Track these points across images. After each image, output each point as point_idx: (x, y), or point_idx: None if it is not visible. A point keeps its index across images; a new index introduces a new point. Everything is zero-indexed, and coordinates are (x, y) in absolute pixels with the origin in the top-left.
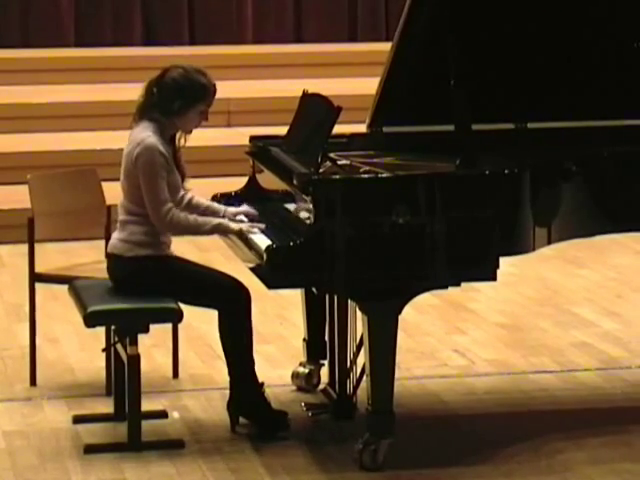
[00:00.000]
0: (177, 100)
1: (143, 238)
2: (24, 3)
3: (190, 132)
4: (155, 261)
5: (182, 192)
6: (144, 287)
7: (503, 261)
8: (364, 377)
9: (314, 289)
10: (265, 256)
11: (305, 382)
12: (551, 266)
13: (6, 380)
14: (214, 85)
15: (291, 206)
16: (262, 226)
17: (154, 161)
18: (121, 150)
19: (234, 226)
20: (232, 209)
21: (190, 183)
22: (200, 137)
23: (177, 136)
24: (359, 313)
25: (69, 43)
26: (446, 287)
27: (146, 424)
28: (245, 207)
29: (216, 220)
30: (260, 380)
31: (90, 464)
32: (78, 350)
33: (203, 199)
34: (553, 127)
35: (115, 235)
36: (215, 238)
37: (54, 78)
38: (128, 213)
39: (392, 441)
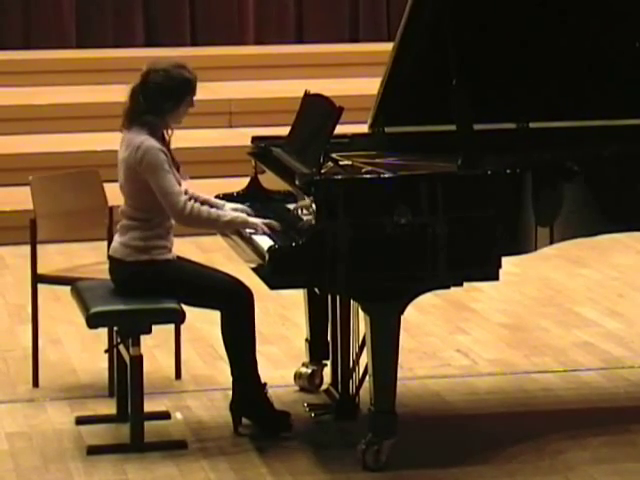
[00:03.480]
0: (166, 102)
1: (143, 243)
2: (26, 5)
3: (180, 122)
4: (156, 266)
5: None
6: (145, 290)
7: (505, 261)
8: (366, 377)
9: (316, 289)
10: (267, 256)
11: (308, 382)
12: (553, 266)
13: (9, 381)
14: (195, 75)
15: (293, 206)
16: (276, 225)
17: (158, 159)
18: None
19: (253, 220)
20: (231, 204)
21: (192, 184)
22: (202, 138)
23: (166, 132)
24: (361, 313)
25: (71, 44)
26: (448, 287)
27: (149, 425)
28: (235, 205)
29: (234, 213)
30: (263, 380)
31: (93, 465)
32: (80, 351)
33: (198, 192)
34: (555, 127)
35: (116, 238)
36: (217, 239)
37: (56, 79)
38: (128, 218)
39: (395, 441)
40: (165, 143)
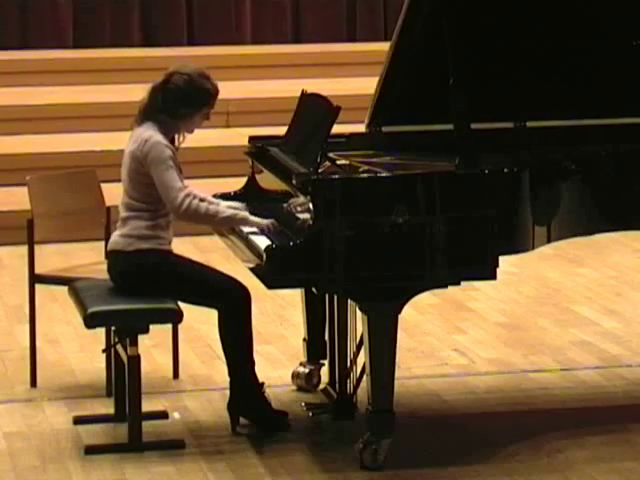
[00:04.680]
0: (183, 107)
1: (145, 232)
2: (23, 4)
3: (192, 132)
4: (156, 255)
5: None
6: (144, 283)
7: (503, 260)
8: (364, 377)
9: (314, 289)
10: (265, 256)
11: (305, 382)
12: (551, 265)
13: (6, 381)
14: (217, 88)
15: (288, 205)
16: (277, 225)
17: (164, 153)
18: (121, 151)
19: (253, 218)
20: (225, 202)
21: (189, 184)
22: (199, 138)
23: (177, 137)
24: (359, 313)
25: (68, 45)
26: (446, 286)
27: (146, 425)
28: (234, 203)
29: (233, 210)
30: (260, 380)
31: (91, 465)
32: (78, 351)
33: (197, 191)
34: (552, 126)
35: (116, 232)
36: (215, 238)
37: (53, 80)
38: (130, 209)
39: (392, 440)
40: (174, 146)
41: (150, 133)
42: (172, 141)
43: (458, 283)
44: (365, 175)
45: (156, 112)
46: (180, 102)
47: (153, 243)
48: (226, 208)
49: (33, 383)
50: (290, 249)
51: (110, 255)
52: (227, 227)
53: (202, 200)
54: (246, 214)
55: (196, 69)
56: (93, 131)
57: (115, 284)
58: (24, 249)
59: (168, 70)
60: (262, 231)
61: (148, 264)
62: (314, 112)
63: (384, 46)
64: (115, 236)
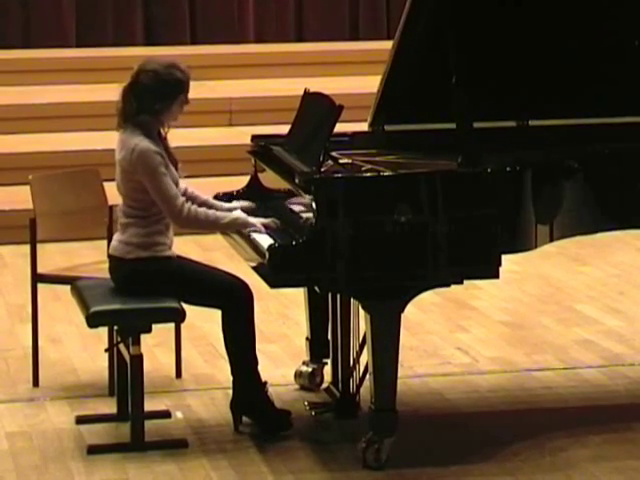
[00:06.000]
0: (158, 103)
1: (143, 240)
2: (25, 3)
3: (176, 119)
4: (156, 263)
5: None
6: (145, 289)
7: (505, 259)
8: (367, 376)
9: (316, 288)
10: (267, 255)
11: (308, 381)
12: (553, 263)
13: (9, 381)
14: (188, 74)
15: (293, 206)
16: (277, 222)
17: (153, 162)
18: None
19: (253, 221)
20: (227, 204)
21: (193, 183)
22: (202, 136)
23: (162, 129)
24: (362, 311)
25: (70, 44)
26: (448, 285)
27: (149, 424)
28: (239, 202)
29: (233, 214)
30: (263, 379)
31: (93, 464)
32: (81, 350)
33: (198, 192)
34: (555, 124)
35: (116, 237)
36: (218, 237)
37: (55, 78)
38: (127, 216)
39: (395, 439)
40: (162, 140)
41: (135, 141)
42: (159, 134)
43: (461, 282)
44: (368, 174)
45: (134, 114)
46: (154, 99)
47: (152, 251)
48: (225, 213)
49: (35, 382)
50: (293, 248)
51: (111, 259)
52: (227, 231)
53: (203, 203)
54: (245, 217)
55: (161, 62)
56: (95, 130)
57: (116, 285)
58: (26, 248)
59: (133, 70)
60: (262, 231)
61: (148, 272)
62: (317, 111)
63: (387, 45)
64: (115, 241)
